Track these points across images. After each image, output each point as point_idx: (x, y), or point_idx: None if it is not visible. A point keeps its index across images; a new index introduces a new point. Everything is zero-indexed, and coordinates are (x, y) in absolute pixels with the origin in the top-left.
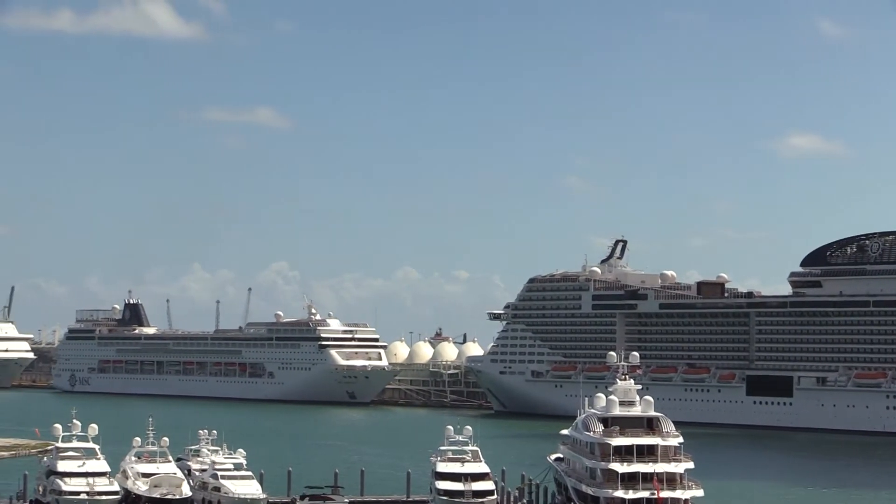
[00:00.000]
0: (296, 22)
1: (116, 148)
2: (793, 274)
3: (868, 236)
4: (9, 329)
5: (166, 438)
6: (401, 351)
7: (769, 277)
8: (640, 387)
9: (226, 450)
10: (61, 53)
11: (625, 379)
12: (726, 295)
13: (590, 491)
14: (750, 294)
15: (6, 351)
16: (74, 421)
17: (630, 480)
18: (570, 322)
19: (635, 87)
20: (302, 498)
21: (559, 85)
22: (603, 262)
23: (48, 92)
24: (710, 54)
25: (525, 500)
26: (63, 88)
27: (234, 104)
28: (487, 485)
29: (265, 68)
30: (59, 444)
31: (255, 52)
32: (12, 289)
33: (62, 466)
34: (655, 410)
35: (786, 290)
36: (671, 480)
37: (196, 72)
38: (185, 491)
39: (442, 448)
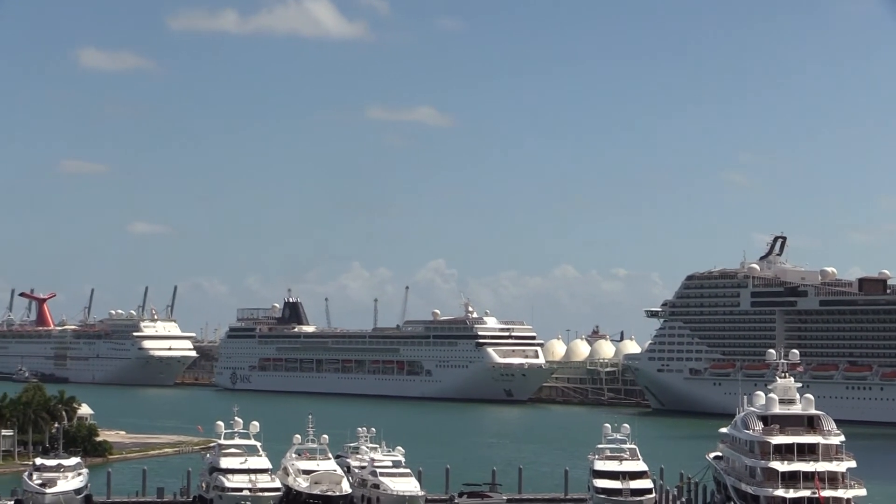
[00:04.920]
0: (459, 19)
1: (276, 147)
2: None
3: None
4: (172, 328)
5: (326, 436)
6: (558, 349)
7: None
8: (800, 385)
9: (384, 447)
10: (225, 54)
11: (785, 377)
12: (889, 291)
13: (750, 489)
14: None
15: (169, 349)
16: (236, 418)
17: (791, 479)
18: (729, 319)
19: (797, 83)
20: (460, 495)
21: (723, 81)
22: (762, 258)
23: (211, 93)
24: (870, 48)
25: (684, 499)
26: (225, 89)
27: (396, 103)
28: (645, 483)
29: (427, 67)
30: (222, 441)
31: (416, 51)
32: (175, 288)
33: (225, 463)
34: (816, 408)
35: None
36: (833, 480)
37: (358, 71)
38: (345, 488)
39: (600, 446)
